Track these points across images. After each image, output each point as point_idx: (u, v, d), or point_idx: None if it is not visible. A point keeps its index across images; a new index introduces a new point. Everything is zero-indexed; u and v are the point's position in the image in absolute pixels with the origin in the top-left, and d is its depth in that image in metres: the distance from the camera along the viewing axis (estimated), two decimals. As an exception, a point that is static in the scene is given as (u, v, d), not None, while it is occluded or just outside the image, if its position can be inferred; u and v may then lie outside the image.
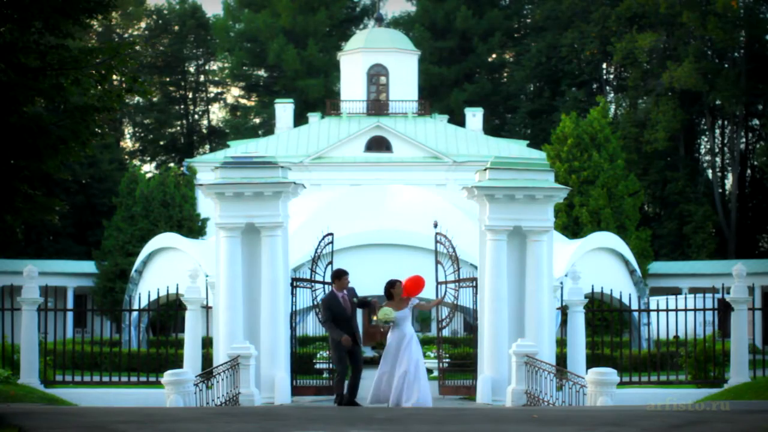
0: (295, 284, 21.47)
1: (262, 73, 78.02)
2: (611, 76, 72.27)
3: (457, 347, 28.60)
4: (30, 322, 21.48)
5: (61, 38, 12.54)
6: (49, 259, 50.63)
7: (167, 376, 15.77)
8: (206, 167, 48.18)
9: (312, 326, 28.30)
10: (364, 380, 17.86)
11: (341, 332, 17.51)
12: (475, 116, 59.71)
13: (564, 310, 23.08)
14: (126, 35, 72.83)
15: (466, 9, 72.75)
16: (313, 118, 59.73)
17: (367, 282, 26.84)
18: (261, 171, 20.50)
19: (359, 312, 20.08)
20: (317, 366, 26.96)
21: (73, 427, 10.96)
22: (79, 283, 48.75)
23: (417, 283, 17.66)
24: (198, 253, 34.24)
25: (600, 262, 35.87)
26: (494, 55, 75.62)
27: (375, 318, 17.14)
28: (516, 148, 52.52)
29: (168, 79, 76.38)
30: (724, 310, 22.60)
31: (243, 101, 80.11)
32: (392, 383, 16.80)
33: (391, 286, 17.37)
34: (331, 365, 22.52)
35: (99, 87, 12.51)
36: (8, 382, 19.56)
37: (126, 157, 70.83)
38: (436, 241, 22.16)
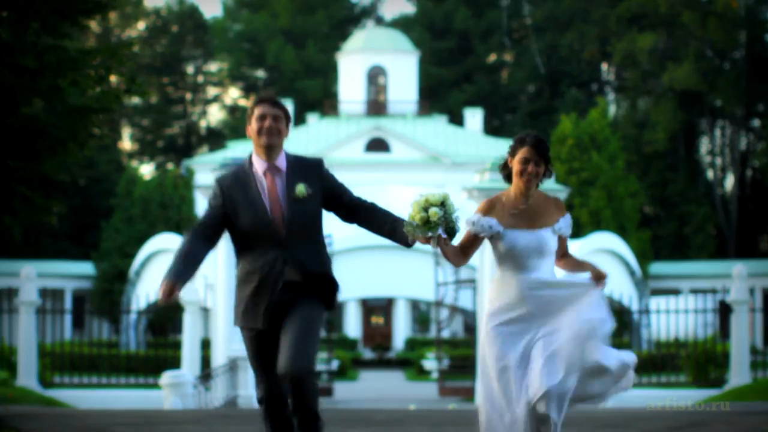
0: (294, 285, 21.39)
1: (260, 73, 77.98)
2: (611, 77, 72.24)
3: (456, 348, 28.55)
4: (28, 323, 21.43)
5: (58, 39, 12.48)
6: (47, 261, 50.52)
7: (166, 378, 15.74)
8: (205, 168, 48.10)
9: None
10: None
11: (174, 275, 6.16)
12: (474, 117, 59.63)
13: (564, 312, 23.03)
14: (124, 36, 72.81)
15: (466, 9, 72.74)
16: (312, 118, 59.67)
17: (367, 283, 26.75)
18: (260, 172, 20.43)
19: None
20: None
21: (72, 429, 10.91)
22: (77, 285, 48.67)
23: None
24: (197, 255, 34.13)
25: (600, 263, 35.47)
26: (494, 56, 75.61)
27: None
28: (515, 149, 52.33)
29: (166, 80, 76.32)
30: (724, 311, 22.56)
31: (242, 102, 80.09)
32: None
33: (519, 148, 6.40)
34: (330, 365, 22.40)
35: (97, 88, 12.45)
36: (6, 384, 19.51)
37: (124, 158, 70.82)
38: (436, 243, 22.10)
